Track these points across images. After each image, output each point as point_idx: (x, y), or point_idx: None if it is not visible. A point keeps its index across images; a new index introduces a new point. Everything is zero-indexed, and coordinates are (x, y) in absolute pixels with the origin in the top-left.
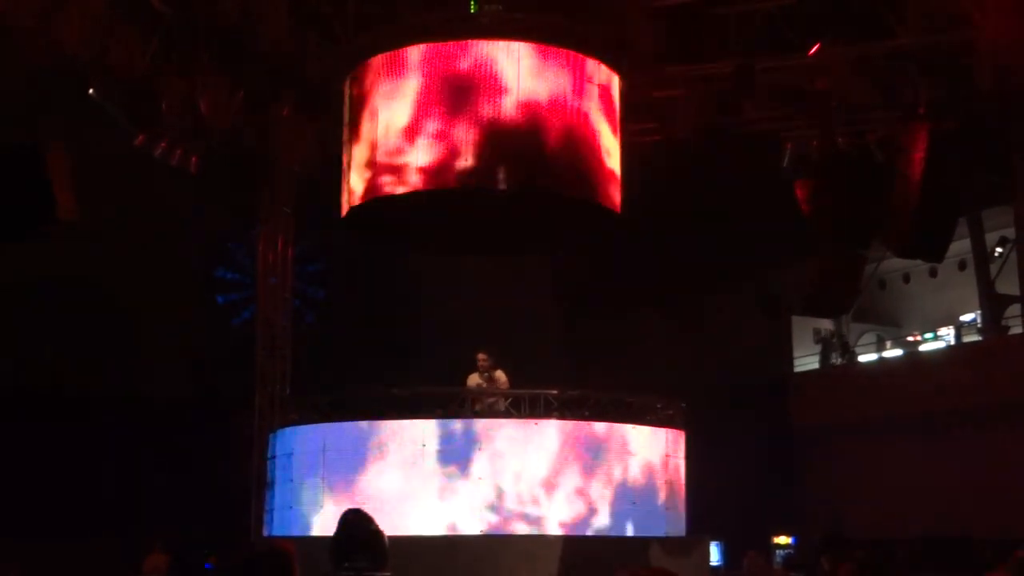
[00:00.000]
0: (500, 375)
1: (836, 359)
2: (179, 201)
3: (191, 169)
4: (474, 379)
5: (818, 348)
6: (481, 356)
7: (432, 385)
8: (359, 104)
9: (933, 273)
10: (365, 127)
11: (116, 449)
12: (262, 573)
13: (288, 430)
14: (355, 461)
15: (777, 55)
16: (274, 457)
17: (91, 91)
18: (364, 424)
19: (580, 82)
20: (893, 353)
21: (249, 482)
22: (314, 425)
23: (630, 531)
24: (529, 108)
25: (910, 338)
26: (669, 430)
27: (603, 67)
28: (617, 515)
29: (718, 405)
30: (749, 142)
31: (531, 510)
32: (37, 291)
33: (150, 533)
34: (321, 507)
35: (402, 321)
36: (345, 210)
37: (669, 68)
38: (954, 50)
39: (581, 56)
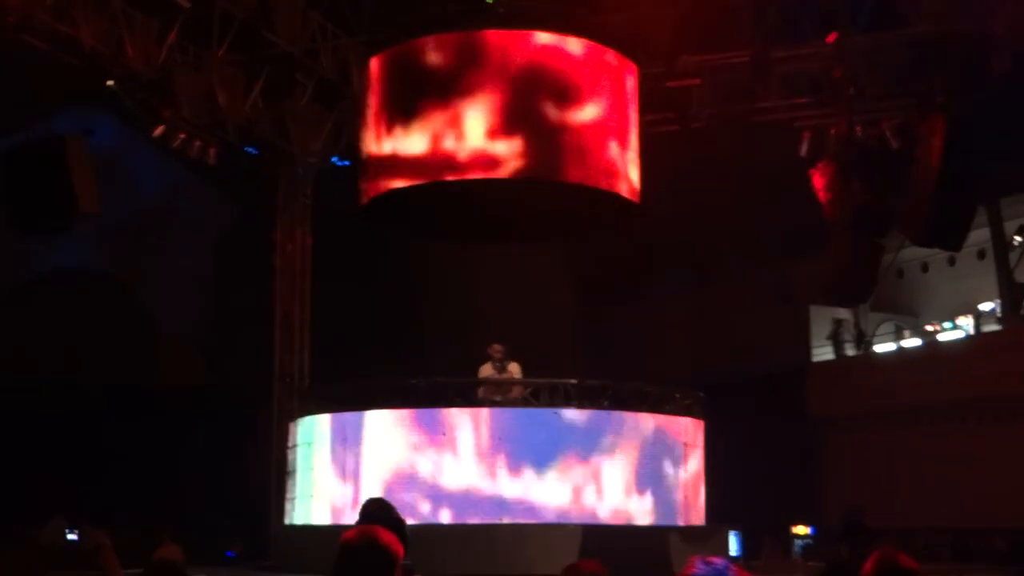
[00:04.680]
0: (514, 366)
1: (850, 349)
2: (196, 192)
3: (209, 160)
4: (487, 370)
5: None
6: (496, 347)
7: (446, 375)
8: (377, 95)
9: (952, 262)
10: (383, 117)
11: (134, 440)
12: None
13: (308, 419)
14: (375, 450)
15: (793, 45)
16: (295, 446)
17: (109, 83)
18: (383, 412)
19: (598, 72)
20: (911, 343)
21: (269, 472)
22: (335, 414)
23: (649, 520)
24: (547, 99)
25: (928, 328)
26: (688, 419)
27: (620, 57)
28: (637, 504)
29: (736, 394)
30: (766, 131)
31: (550, 499)
32: (53, 281)
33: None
34: (341, 496)
35: (416, 311)
36: (364, 200)
37: (685, 58)
38: (970, 37)
39: (598, 46)
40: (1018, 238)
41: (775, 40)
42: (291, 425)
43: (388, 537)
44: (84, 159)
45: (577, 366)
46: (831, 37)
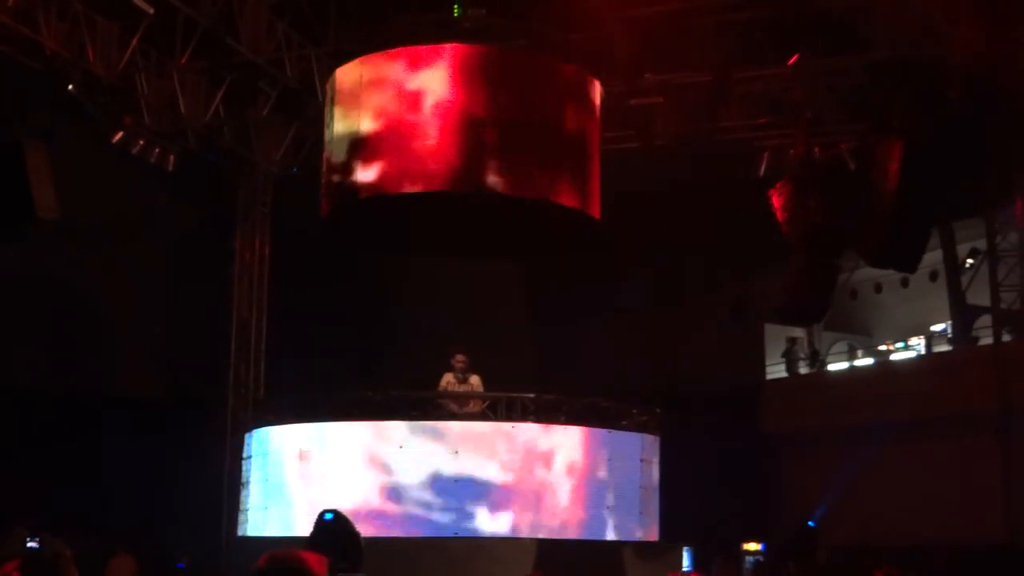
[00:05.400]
0: (475, 379)
1: (804, 367)
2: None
3: (168, 167)
4: (448, 379)
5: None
6: (459, 357)
7: (404, 386)
8: (340, 105)
9: (905, 283)
10: (346, 128)
11: (84, 448)
12: None
13: (263, 430)
14: (331, 462)
15: (753, 66)
16: (249, 457)
17: (70, 88)
18: (339, 425)
19: (561, 88)
20: (864, 362)
21: (221, 482)
22: (290, 425)
23: (605, 535)
24: (510, 114)
25: (881, 347)
26: (644, 435)
27: (584, 73)
28: (592, 519)
29: (691, 411)
30: (725, 150)
31: (505, 513)
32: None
33: (116, 535)
34: (296, 508)
35: (372, 322)
36: (324, 212)
37: (648, 76)
38: (927, 62)
39: (562, 62)
40: (970, 260)
41: (736, 61)
42: (246, 436)
43: (309, 560)
44: (42, 164)
45: (535, 380)
46: (791, 60)
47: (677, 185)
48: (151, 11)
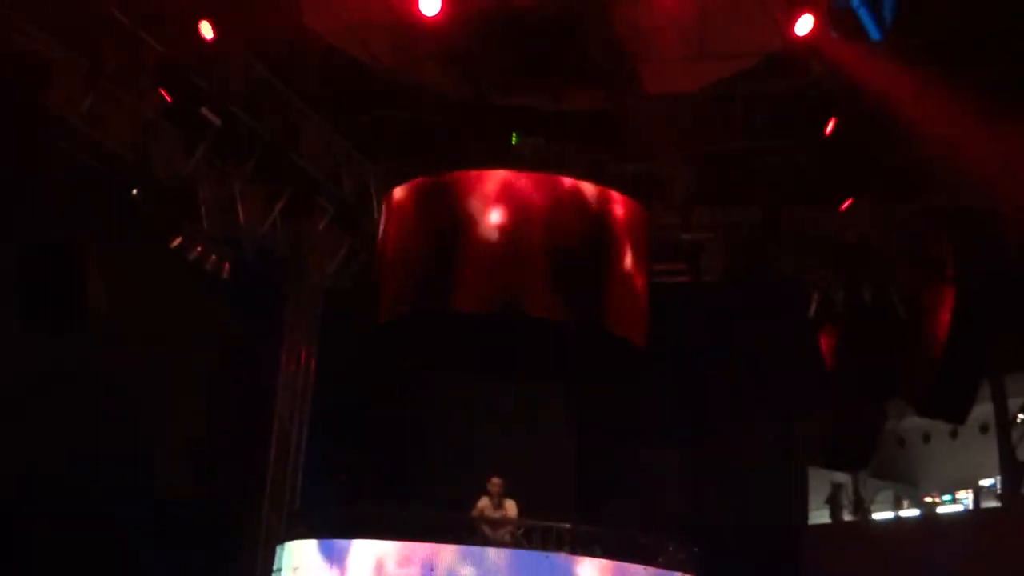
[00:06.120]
0: (511, 504)
1: (847, 514)
2: (205, 306)
3: (223, 275)
4: (484, 503)
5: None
6: (495, 481)
7: (441, 509)
8: (394, 224)
9: (954, 435)
10: (398, 246)
11: (114, 551)
12: None
13: (295, 543)
14: None
15: (806, 205)
16: (279, 570)
17: (133, 192)
18: (373, 543)
19: (615, 219)
20: (909, 513)
21: None
22: (322, 540)
23: None
24: (561, 240)
25: (927, 499)
26: (681, 574)
27: (636, 205)
28: None
29: (731, 552)
30: (776, 289)
31: None
32: (53, 382)
33: None
34: None
35: (410, 441)
36: (376, 325)
37: (700, 210)
38: (984, 211)
39: (616, 192)
40: (1021, 416)
41: (791, 200)
42: (277, 548)
43: None
44: (96, 259)
45: (571, 509)
46: (845, 204)
47: (722, 323)
48: (218, 122)
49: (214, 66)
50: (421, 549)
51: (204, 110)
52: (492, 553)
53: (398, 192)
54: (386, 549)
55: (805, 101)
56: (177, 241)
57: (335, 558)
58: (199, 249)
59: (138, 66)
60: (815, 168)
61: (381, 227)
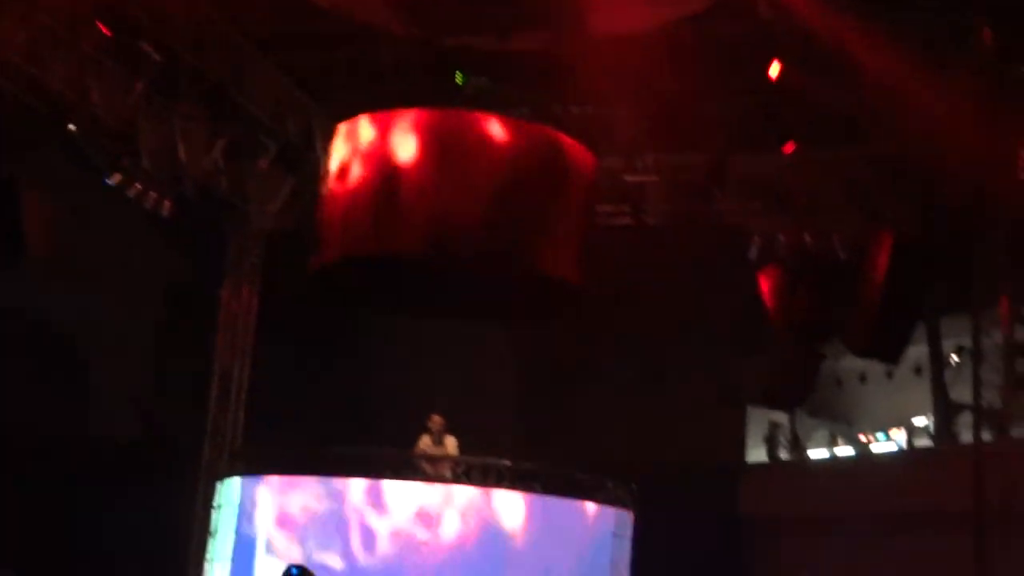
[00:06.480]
0: (451, 441)
1: (784, 453)
2: (145, 244)
3: (163, 213)
4: (425, 442)
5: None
6: (435, 418)
7: (383, 446)
8: (338, 163)
9: (890, 375)
10: (341, 186)
11: (52, 490)
12: None
13: (235, 480)
14: (303, 517)
15: (751, 150)
16: (219, 506)
17: (70, 127)
18: (313, 480)
19: (559, 160)
20: (844, 451)
21: (191, 531)
22: (263, 477)
23: None
24: (505, 182)
25: (862, 437)
26: (618, 510)
27: (581, 147)
28: None
29: (668, 490)
30: (718, 232)
31: None
32: None
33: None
34: (264, 560)
35: (353, 381)
36: (315, 267)
37: (643, 154)
38: (924, 161)
39: (561, 134)
40: (955, 357)
41: (735, 146)
42: (218, 484)
43: None
44: (36, 200)
45: (514, 448)
46: (788, 148)
47: (663, 265)
48: (158, 58)
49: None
50: (360, 485)
51: (144, 45)
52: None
53: (340, 131)
54: (326, 485)
55: (752, 46)
56: (116, 178)
57: (275, 495)
58: (138, 187)
59: None
60: (760, 113)
61: (322, 167)
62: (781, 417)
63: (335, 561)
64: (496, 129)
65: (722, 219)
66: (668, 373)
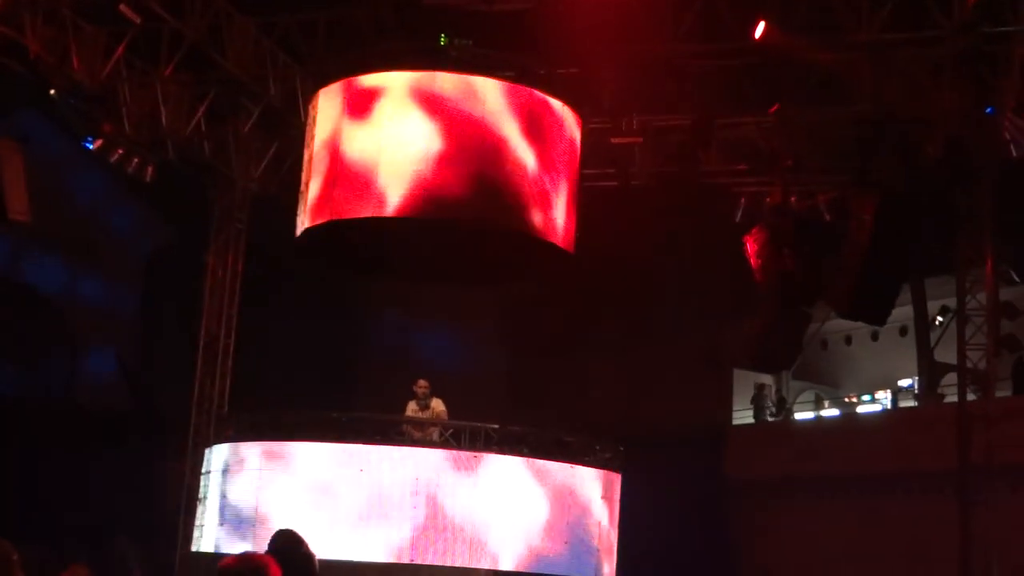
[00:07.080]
0: (437, 404)
1: (770, 415)
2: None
3: (146, 178)
4: (412, 407)
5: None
6: (421, 383)
7: (372, 411)
8: (322, 126)
9: (875, 337)
10: (326, 150)
11: (48, 455)
12: None
13: (223, 446)
14: (290, 481)
15: (736, 112)
16: (208, 472)
17: (51, 92)
18: (302, 445)
19: (544, 121)
20: (830, 413)
21: (180, 496)
22: (251, 443)
23: (561, 571)
24: (491, 144)
25: (847, 399)
26: (605, 472)
27: (567, 108)
28: (548, 556)
29: (656, 451)
30: (703, 194)
31: (463, 541)
32: None
33: (72, 544)
34: (253, 525)
35: (340, 346)
36: (300, 230)
37: (630, 116)
38: (908, 120)
39: (546, 96)
40: (940, 318)
41: (719, 107)
42: (206, 451)
43: (273, 569)
44: (17, 165)
45: (499, 412)
46: (772, 108)
47: (656, 226)
48: (138, 20)
49: None
50: (349, 450)
51: (123, 7)
52: (420, 454)
53: (323, 94)
54: (314, 451)
55: (737, 6)
56: (98, 143)
57: (262, 460)
58: (120, 152)
59: None
60: (745, 74)
61: (306, 131)
62: (767, 379)
63: (325, 526)
64: (482, 91)
65: (708, 180)
66: (654, 336)
